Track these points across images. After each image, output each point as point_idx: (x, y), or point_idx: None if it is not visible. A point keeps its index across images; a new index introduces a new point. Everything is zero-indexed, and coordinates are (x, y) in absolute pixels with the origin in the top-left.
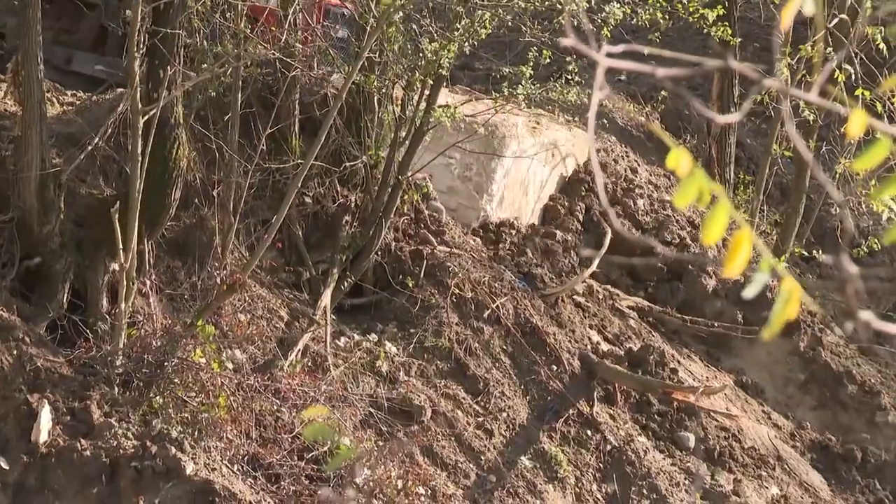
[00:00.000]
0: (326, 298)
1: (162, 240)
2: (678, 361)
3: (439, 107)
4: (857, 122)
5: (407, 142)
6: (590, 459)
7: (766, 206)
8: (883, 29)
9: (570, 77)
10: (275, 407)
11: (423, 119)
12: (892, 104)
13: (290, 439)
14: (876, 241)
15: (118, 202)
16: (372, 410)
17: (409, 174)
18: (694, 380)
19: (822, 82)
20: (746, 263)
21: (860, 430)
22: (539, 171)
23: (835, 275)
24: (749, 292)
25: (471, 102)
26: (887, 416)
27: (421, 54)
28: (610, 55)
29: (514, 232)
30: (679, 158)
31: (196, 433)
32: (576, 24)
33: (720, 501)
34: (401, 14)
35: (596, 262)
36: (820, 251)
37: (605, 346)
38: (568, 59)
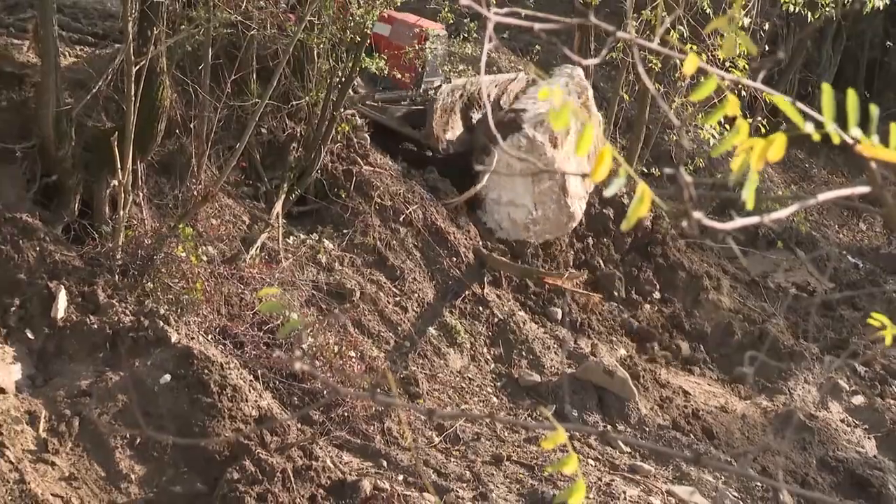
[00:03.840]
0: (279, 207)
1: (151, 161)
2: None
3: (365, 58)
4: (690, 63)
5: (339, 85)
6: (481, 329)
7: (615, 135)
8: None
9: (466, 35)
10: (239, 290)
11: (352, 68)
12: (714, 55)
13: (251, 315)
14: (701, 160)
15: (117, 132)
16: (314, 292)
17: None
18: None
19: (660, 35)
20: (607, 172)
21: (689, 306)
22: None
23: (667, 185)
24: (609, 192)
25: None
26: (707, 295)
27: (350, 17)
28: (497, 14)
29: None
30: (552, 93)
31: (179, 310)
32: None
33: (581, 360)
34: None
35: (486, 176)
36: (657, 168)
37: (492, 242)
38: (465, 20)
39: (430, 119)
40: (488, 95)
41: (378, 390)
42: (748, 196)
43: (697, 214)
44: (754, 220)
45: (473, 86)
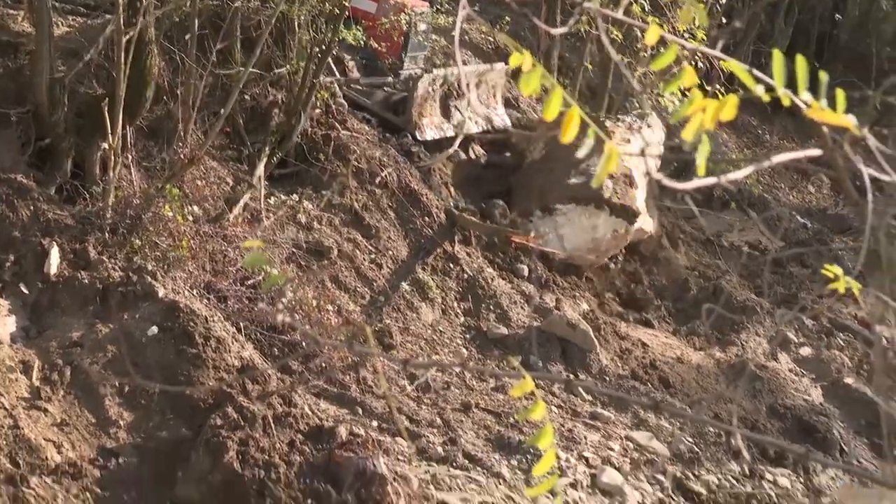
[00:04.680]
0: (260, 169)
1: (140, 126)
2: (516, 213)
3: (344, 29)
4: (652, 33)
5: (319, 55)
6: (452, 285)
7: (579, 102)
8: None
9: (439, 6)
10: (223, 248)
11: (330, 38)
12: (674, 27)
13: (234, 271)
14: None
15: (107, 99)
16: (294, 250)
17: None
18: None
19: (625, 6)
20: (576, 133)
21: (648, 264)
22: None
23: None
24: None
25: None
26: (665, 253)
27: None
28: None
29: None
30: (523, 59)
31: (166, 267)
32: None
33: (546, 314)
34: None
35: (459, 139)
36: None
37: (463, 203)
38: None
39: (411, 106)
40: (468, 85)
41: (354, 342)
42: (700, 161)
43: (658, 175)
44: (712, 180)
45: (453, 76)
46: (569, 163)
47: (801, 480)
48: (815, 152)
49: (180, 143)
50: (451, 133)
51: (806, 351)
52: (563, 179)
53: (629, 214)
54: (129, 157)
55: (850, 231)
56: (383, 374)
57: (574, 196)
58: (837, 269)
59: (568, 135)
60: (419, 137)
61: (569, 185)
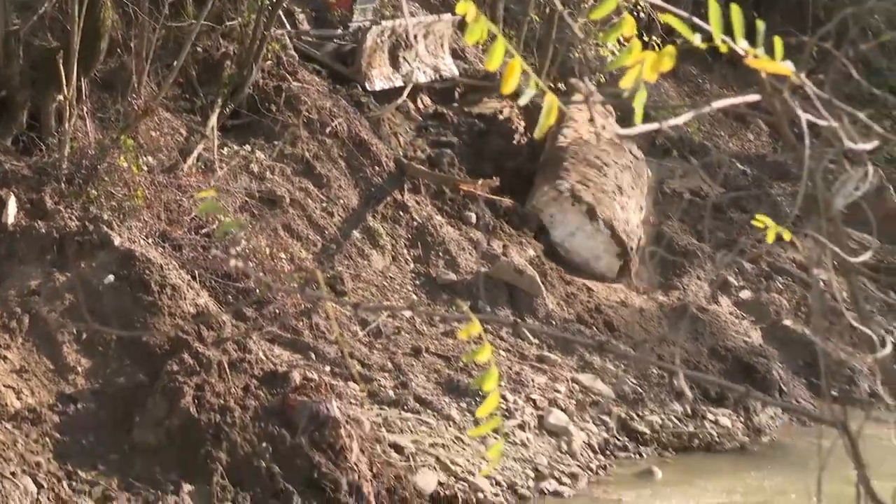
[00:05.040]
0: (213, 120)
1: (94, 78)
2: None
3: None
4: None
5: (269, 8)
6: (402, 232)
7: (525, 54)
8: None
9: None
10: (178, 197)
11: None
12: None
13: (188, 220)
14: (602, 76)
15: (62, 51)
16: (247, 199)
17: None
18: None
19: None
20: (517, 83)
21: None
22: None
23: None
24: (522, 101)
25: None
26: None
27: None
28: None
29: None
30: (467, 6)
31: (122, 216)
32: None
33: (494, 260)
34: None
35: (408, 89)
36: (563, 84)
37: (412, 152)
38: None
39: (360, 58)
40: (415, 36)
41: (306, 288)
42: (637, 109)
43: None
44: (653, 126)
45: (401, 27)
46: (614, 168)
47: (742, 420)
48: (754, 97)
49: (134, 95)
50: (399, 83)
51: (746, 294)
52: (608, 186)
53: (627, 278)
54: (84, 108)
55: (789, 177)
56: (335, 320)
57: (614, 231)
58: (768, 220)
59: (508, 87)
60: (369, 88)
61: (617, 216)
